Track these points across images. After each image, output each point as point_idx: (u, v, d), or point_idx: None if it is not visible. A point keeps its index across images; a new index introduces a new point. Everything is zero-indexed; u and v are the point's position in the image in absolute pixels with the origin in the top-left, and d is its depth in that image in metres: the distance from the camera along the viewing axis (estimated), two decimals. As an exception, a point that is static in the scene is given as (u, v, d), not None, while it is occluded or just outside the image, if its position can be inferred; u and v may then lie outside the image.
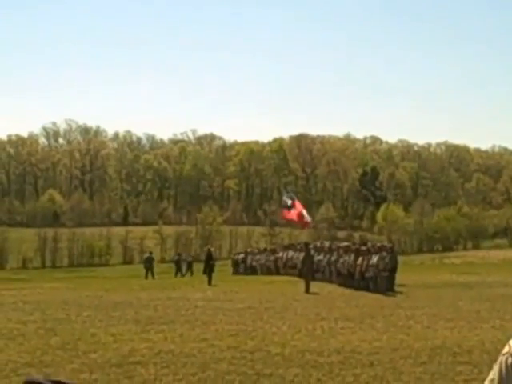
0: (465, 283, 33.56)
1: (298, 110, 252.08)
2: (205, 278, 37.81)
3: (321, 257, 36.57)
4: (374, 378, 11.80)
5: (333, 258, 34.83)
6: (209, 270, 37.65)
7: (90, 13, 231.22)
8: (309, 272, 31.11)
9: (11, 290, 33.88)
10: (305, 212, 36.08)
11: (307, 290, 29.26)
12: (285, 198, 37.73)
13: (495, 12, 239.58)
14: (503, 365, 2.89)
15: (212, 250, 45.29)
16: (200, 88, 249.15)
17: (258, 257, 53.40)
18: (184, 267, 54.38)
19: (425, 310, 21.84)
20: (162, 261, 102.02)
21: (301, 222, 37.50)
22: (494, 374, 2.95)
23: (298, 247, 43.98)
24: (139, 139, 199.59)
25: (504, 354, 2.91)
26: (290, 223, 40.81)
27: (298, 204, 36.32)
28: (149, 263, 51.10)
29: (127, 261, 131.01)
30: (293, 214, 35.86)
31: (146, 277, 48.93)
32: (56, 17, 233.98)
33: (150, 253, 56.52)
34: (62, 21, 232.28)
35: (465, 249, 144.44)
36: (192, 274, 52.11)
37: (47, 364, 13.15)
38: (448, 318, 19.59)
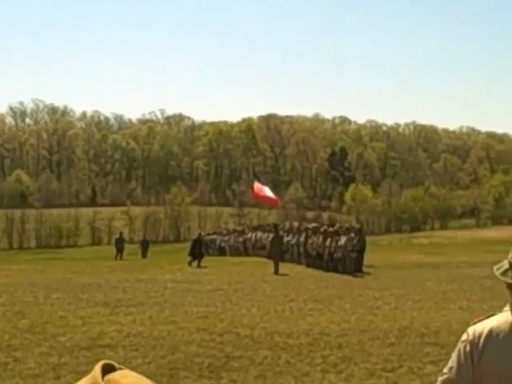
0: (432, 264, 33.81)
1: (266, 89, 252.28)
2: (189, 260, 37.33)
3: (289, 238, 36.66)
4: (342, 360, 11.89)
5: (301, 239, 34.93)
6: (199, 255, 37.18)
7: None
8: (277, 253, 31.18)
9: (-22, 272, 33.65)
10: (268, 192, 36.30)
11: (276, 272, 29.34)
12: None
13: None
14: (461, 352, 2.91)
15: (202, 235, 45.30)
16: (168, 67, 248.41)
17: (226, 238, 53.44)
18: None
19: (393, 290, 22.00)
20: (131, 241, 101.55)
21: (270, 201, 37.83)
22: (452, 361, 2.96)
23: (267, 228, 44.06)
24: (107, 119, 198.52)
25: (462, 342, 2.93)
26: (258, 203, 40.93)
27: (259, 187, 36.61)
28: (120, 244, 51.04)
29: (95, 242, 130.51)
30: (260, 192, 36.08)
31: (116, 257, 48.90)
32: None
33: (121, 233, 56.23)
34: (30, 1, 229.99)
35: (432, 229, 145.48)
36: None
37: (15, 347, 13.10)
38: (416, 299, 19.75)
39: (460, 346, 2.92)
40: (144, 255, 51.49)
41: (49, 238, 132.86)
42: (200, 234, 43.32)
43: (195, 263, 35.82)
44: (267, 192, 36.23)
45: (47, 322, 16.05)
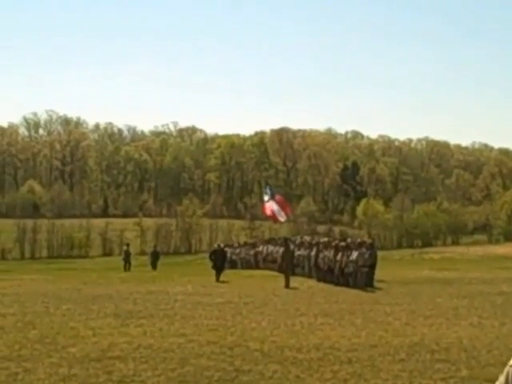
0: (444, 279, 33.70)
1: (279, 103, 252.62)
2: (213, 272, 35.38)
3: (301, 251, 36.59)
4: (352, 375, 11.84)
5: (312, 253, 34.84)
6: (220, 267, 35.28)
7: (73, 4, 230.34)
8: (288, 267, 31.13)
9: (-10, 282, 33.75)
10: (279, 209, 36.07)
11: (287, 285, 29.28)
12: (264, 192, 37.81)
13: (480, 8, 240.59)
14: (509, 376, 2.89)
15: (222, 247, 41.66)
16: (182, 80, 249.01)
17: (237, 250, 53.35)
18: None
19: (404, 306, 21.92)
20: (142, 253, 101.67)
21: (274, 218, 37.70)
22: (500, 383, 2.94)
23: (278, 242, 43.97)
24: (120, 131, 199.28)
25: (511, 366, 2.90)
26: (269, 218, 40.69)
27: (277, 199, 36.43)
28: (127, 256, 50.77)
29: (107, 253, 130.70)
30: (268, 210, 35.97)
31: (125, 269, 48.62)
32: (39, 7, 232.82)
33: (128, 245, 55.84)
34: (45, 11, 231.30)
35: (444, 244, 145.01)
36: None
37: (26, 358, 13.10)
38: (427, 315, 19.67)
39: (508, 369, 2.90)
40: (154, 267, 50.94)
41: (60, 249, 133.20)
42: (219, 245, 41.28)
43: (211, 277, 34.59)
44: (274, 207, 36.15)
45: (58, 332, 16.07)
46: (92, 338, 15.39)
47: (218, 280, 33.84)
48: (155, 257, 52.75)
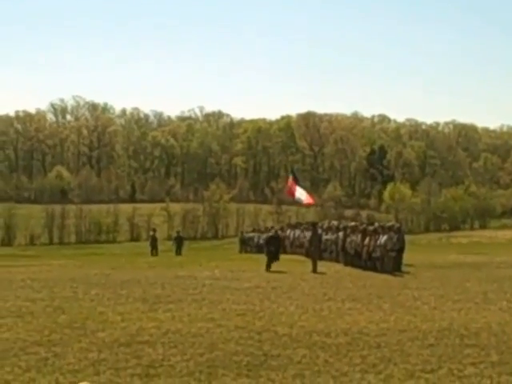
0: (472, 264, 33.51)
1: (305, 87, 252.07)
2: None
3: (328, 236, 36.47)
4: (381, 360, 11.81)
5: (340, 238, 34.72)
6: (275, 254, 32.04)
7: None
8: (316, 251, 31.03)
9: (19, 267, 34.00)
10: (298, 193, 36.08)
11: (314, 270, 29.23)
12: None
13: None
14: None
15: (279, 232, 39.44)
16: (208, 65, 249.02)
17: (265, 235, 53.18)
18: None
19: (432, 290, 21.81)
20: (169, 238, 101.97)
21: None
22: None
23: (306, 226, 43.87)
24: (147, 116, 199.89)
25: None
26: (296, 201, 40.29)
27: (289, 183, 36.61)
28: (154, 241, 50.31)
29: (134, 238, 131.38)
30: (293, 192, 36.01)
31: (152, 254, 48.28)
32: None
33: (154, 230, 55.37)
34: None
35: (472, 228, 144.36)
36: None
37: (55, 343, 13.18)
38: (455, 299, 19.56)
39: None
40: (178, 252, 49.98)
41: (88, 234, 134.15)
42: (276, 231, 37.87)
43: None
44: (298, 194, 36.15)
45: (87, 317, 16.14)
46: (121, 322, 15.45)
47: (269, 269, 30.69)
48: (179, 242, 52.05)
